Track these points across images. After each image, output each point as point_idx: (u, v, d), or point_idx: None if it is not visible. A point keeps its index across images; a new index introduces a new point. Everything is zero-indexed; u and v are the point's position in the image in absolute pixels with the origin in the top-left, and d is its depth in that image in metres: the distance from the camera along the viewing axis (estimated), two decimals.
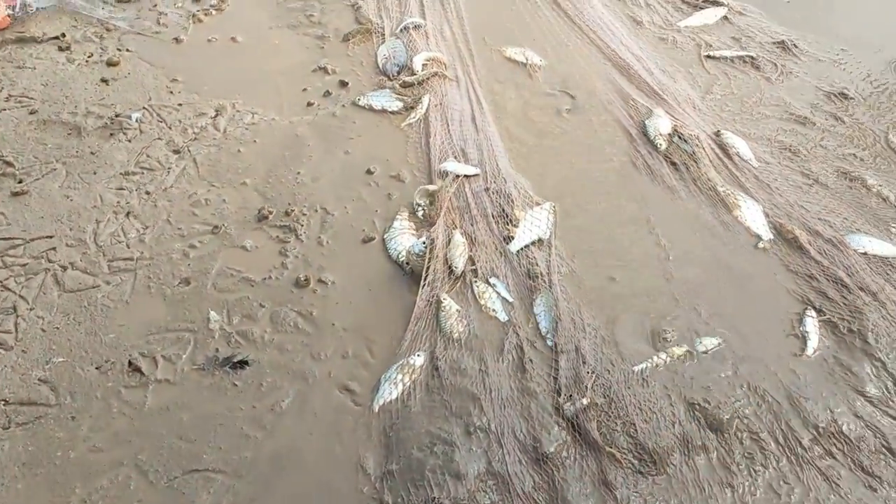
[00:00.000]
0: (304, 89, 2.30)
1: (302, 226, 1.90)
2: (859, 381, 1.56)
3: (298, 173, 2.03)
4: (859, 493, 1.41)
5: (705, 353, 1.61)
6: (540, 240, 1.83)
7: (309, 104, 2.24)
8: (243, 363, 1.64)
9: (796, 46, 2.39)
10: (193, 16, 2.58)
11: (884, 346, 1.62)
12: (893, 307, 1.67)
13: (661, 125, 2.07)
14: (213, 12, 2.62)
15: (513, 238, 1.83)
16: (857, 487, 1.42)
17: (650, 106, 2.18)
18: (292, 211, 1.93)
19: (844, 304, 1.69)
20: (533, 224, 1.85)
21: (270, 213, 1.93)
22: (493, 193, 1.95)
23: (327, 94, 2.27)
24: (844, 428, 1.49)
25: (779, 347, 1.62)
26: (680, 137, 2.06)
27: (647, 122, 2.11)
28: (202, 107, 2.24)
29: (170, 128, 2.17)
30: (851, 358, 1.60)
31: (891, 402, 1.53)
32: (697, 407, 1.53)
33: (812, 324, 1.66)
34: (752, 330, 1.65)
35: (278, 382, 1.60)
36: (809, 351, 1.62)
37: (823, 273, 1.75)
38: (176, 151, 2.10)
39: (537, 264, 1.78)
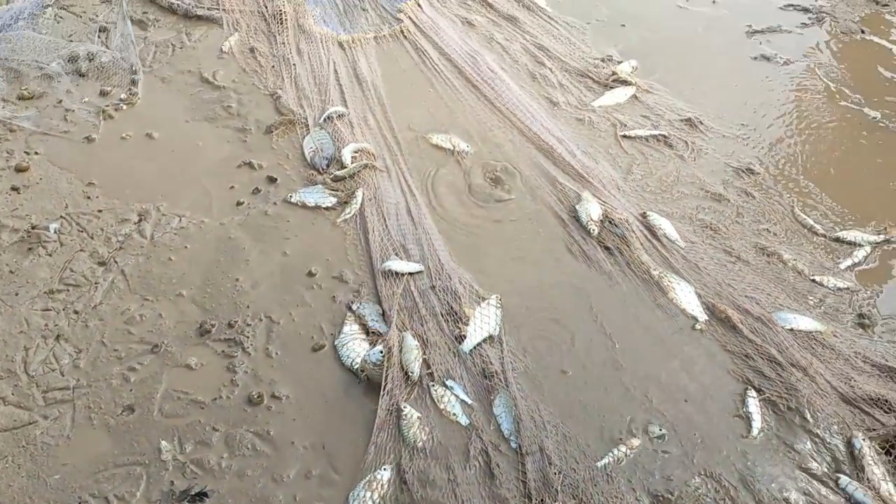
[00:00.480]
0: (232, 187, 2.24)
1: (247, 337, 1.85)
2: (802, 459, 1.66)
3: (237, 280, 1.97)
4: None
5: (661, 441, 1.66)
6: (491, 336, 1.85)
7: (238, 203, 2.19)
8: (202, 495, 1.57)
9: (702, 123, 2.54)
10: (103, 111, 2.47)
11: (820, 421, 1.72)
12: (823, 381, 1.78)
13: (591, 210, 2.15)
14: (124, 107, 2.51)
15: (464, 337, 1.84)
16: None
17: (577, 189, 2.25)
18: (235, 322, 1.87)
19: (780, 381, 1.78)
20: (482, 321, 1.87)
21: (213, 326, 1.86)
22: (440, 291, 1.96)
23: (256, 191, 2.23)
24: None
25: (727, 430, 1.70)
26: (611, 222, 2.14)
27: (577, 206, 2.18)
28: (124, 212, 2.15)
29: (92, 238, 2.07)
30: (793, 435, 1.70)
31: (831, 475, 1.63)
32: (661, 498, 1.57)
33: (754, 404, 1.74)
34: (701, 415, 1.72)
35: None
36: (755, 432, 1.70)
37: (757, 351, 1.85)
38: (101, 263, 2.00)
39: (491, 362, 1.80)
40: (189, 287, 1.96)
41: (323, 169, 2.29)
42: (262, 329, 1.87)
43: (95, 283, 1.95)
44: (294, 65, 2.73)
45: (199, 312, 1.90)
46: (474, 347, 1.84)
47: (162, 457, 1.60)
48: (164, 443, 1.63)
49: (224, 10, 3.01)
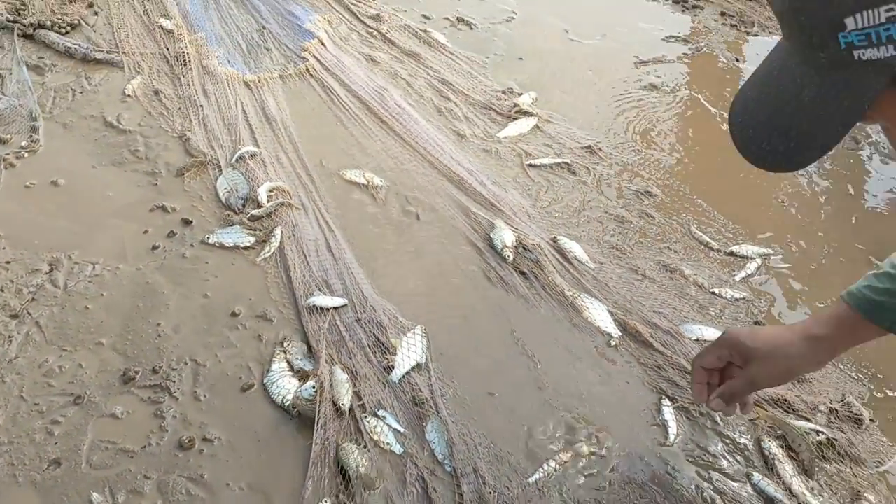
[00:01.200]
0: (146, 231, 2.22)
1: (174, 382, 1.83)
2: (716, 460, 1.78)
3: (158, 325, 1.95)
4: None
5: (587, 454, 1.75)
6: (418, 364, 1.91)
7: (154, 247, 2.17)
8: None
9: (601, 150, 2.69)
10: (3, 160, 2.39)
11: (729, 423, 1.85)
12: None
13: (505, 237, 2.24)
14: (26, 154, 2.45)
15: (393, 367, 1.89)
16: None
17: (490, 218, 2.35)
18: (160, 367, 1.85)
19: (690, 389, 1.91)
20: (410, 350, 1.92)
21: (136, 373, 1.83)
22: (365, 323, 2.00)
23: (172, 234, 2.21)
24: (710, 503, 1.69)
25: (647, 439, 1.80)
26: (524, 248, 2.24)
27: (491, 234, 2.27)
28: (34, 262, 2.09)
29: (2, 290, 2.00)
30: (706, 439, 1.82)
31: (743, 474, 1.75)
32: None
33: (668, 412, 1.86)
34: (622, 426, 1.82)
35: None
36: (671, 438, 1.81)
37: (668, 362, 1.97)
38: (14, 316, 1.94)
39: (420, 390, 1.85)
40: (108, 335, 1.92)
41: (239, 209, 2.30)
42: (189, 372, 1.86)
43: (9, 337, 1.89)
44: (201, 106, 2.73)
45: (121, 360, 1.87)
46: (403, 376, 1.88)
47: None
48: (95, 495, 1.59)
49: (124, 52, 2.98)
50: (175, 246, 2.18)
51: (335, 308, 2.02)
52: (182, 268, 2.12)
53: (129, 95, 2.77)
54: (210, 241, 2.18)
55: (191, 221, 2.26)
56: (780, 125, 0.95)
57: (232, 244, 2.18)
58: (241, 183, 2.37)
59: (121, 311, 1.99)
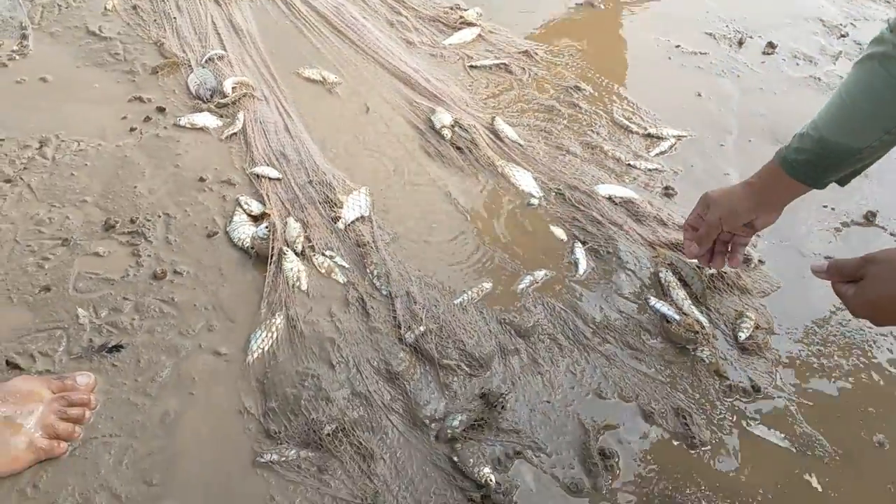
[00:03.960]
0: (124, 117, 2.49)
1: (148, 230, 2.11)
2: (618, 287, 2.07)
3: (135, 187, 2.23)
4: (630, 363, 1.89)
5: (520, 288, 2.05)
6: (362, 216, 2.19)
7: (132, 129, 2.44)
8: (118, 347, 1.83)
9: (537, 53, 2.96)
10: None
11: (630, 259, 2.14)
12: (634, 234, 2.21)
13: (444, 118, 2.52)
14: (17, 57, 2.72)
15: (339, 218, 2.17)
16: (627, 359, 1.90)
17: (432, 106, 2.62)
18: (136, 219, 2.13)
19: (601, 235, 2.20)
20: (355, 204, 2.20)
21: (116, 223, 2.11)
22: (316, 185, 2.28)
23: (147, 119, 2.48)
24: (612, 321, 1.98)
25: (560, 272, 2.09)
26: (461, 127, 2.52)
27: (432, 118, 2.55)
28: (25, 140, 2.36)
29: None
30: (611, 272, 2.11)
31: (640, 297, 2.04)
32: (506, 322, 1.95)
33: (580, 251, 2.15)
34: (539, 263, 2.11)
35: (154, 358, 1.80)
36: (581, 271, 2.10)
37: (583, 215, 2.26)
38: (7, 181, 2.22)
39: (363, 235, 2.14)
40: (91, 195, 2.20)
41: (207, 98, 2.57)
42: (161, 223, 2.13)
43: (4, 196, 2.17)
44: (175, 18, 3.00)
45: (103, 213, 2.15)
46: (349, 224, 2.17)
47: (79, 321, 1.85)
48: (80, 310, 1.87)
49: None
50: (150, 128, 2.46)
51: (271, 179, 2.29)
52: (156, 145, 2.40)
53: (109, 10, 3.03)
54: (181, 123, 2.46)
55: (164, 109, 2.53)
56: None
57: (201, 125, 2.45)
58: (210, 78, 2.64)
59: (102, 177, 2.27)
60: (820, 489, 1.66)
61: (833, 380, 1.89)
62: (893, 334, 2.00)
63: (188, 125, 2.46)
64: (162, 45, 2.84)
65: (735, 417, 1.79)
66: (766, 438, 1.76)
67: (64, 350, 1.79)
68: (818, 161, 1.66)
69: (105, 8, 3.04)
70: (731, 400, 1.82)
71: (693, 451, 1.71)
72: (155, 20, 3.02)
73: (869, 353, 1.95)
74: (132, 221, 2.12)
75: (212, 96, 2.59)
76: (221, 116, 2.51)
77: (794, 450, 1.73)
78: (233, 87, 2.60)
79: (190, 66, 2.75)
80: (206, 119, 2.47)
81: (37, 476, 1.55)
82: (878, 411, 1.84)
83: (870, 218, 2.36)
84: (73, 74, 2.70)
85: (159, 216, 2.15)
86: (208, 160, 2.36)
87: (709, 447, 1.72)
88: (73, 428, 1.62)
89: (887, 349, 1.96)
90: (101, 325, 1.85)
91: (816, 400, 1.84)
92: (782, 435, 1.76)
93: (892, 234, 2.33)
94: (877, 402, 1.85)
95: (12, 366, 1.74)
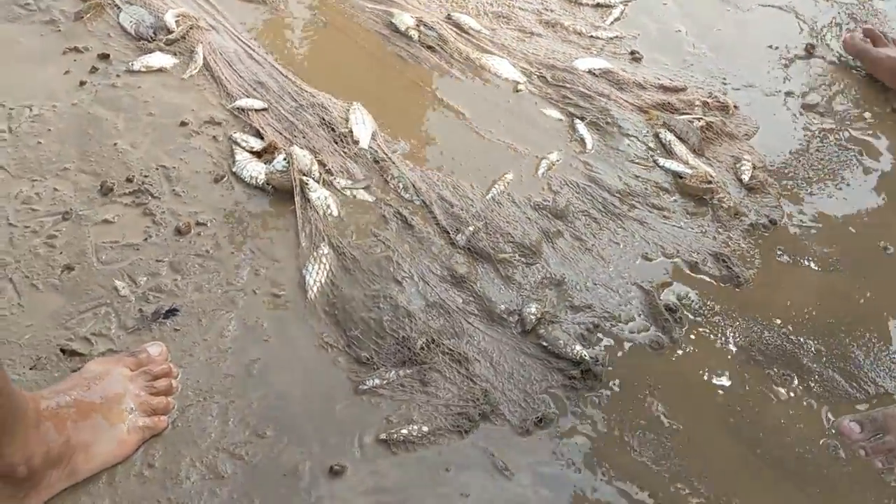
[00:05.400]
0: (67, 72, 2.25)
1: (151, 186, 1.97)
2: (626, 154, 2.16)
3: (115, 144, 2.06)
4: (659, 224, 2.01)
5: (540, 173, 2.09)
6: (375, 132, 2.14)
7: (81, 83, 2.22)
8: (173, 311, 1.74)
9: None
10: None
11: (629, 126, 2.23)
12: (624, 102, 2.29)
13: (406, 19, 2.47)
14: None
15: (357, 141, 2.11)
16: (657, 219, 2.01)
17: (386, 9, 2.55)
18: (133, 177, 1.98)
19: (594, 108, 2.26)
20: (359, 121, 2.14)
21: (113, 185, 1.96)
22: (308, 108, 2.19)
23: (94, 70, 2.26)
24: (633, 187, 2.08)
25: (570, 150, 2.15)
26: (425, 26, 2.47)
27: (393, 20, 2.49)
28: None
29: None
30: (616, 141, 2.19)
31: (650, 160, 2.14)
32: (540, 207, 2.00)
33: (582, 127, 2.21)
34: (547, 145, 2.16)
35: (214, 314, 1.73)
36: (589, 146, 2.17)
37: (571, 92, 2.31)
38: None
39: (377, 151, 2.10)
40: (70, 161, 2.02)
41: (151, 37, 2.36)
42: (161, 176, 2.00)
43: None
44: None
45: (92, 178, 1.98)
46: (370, 143, 2.12)
47: (120, 294, 1.74)
48: (117, 282, 1.75)
49: None
50: (101, 79, 2.25)
51: (258, 111, 2.19)
52: (117, 96, 2.20)
53: None
54: (135, 68, 2.26)
55: (108, 56, 2.31)
56: None
57: (158, 66, 2.27)
58: (144, 14, 2.43)
59: (73, 139, 2.07)
60: (856, 298, 1.87)
61: (830, 197, 2.10)
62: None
63: (143, 69, 2.26)
64: None
65: (763, 251, 1.96)
66: (793, 263, 1.94)
67: (118, 326, 1.68)
68: None
69: None
70: (754, 238, 1.98)
71: (738, 289, 1.87)
72: None
73: (844, 174, 2.19)
74: (129, 181, 1.98)
75: (155, 34, 2.38)
76: (175, 54, 2.32)
77: (819, 269, 1.92)
78: (176, 21, 2.40)
79: (116, 4, 2.49)
80: (161, 59, 2.28)
81: (148, 456, 1.48)
82: (872, 221, 2.07)
83: (810, 50, 2.55)
84: None
85: (155, 169, 2.01)
86: (181, 102, 2.20)
87: (752, 282, 1.88)
88: (167, 400, 1.56)
89: (855, 167, 2.20)
90: (146, 293, 1.75)
91: (823, 221, 2.04)
92: (807, 258, 1.95)
93: (829, 62, 2.54)
94: (872, 214, 2.09)
95: (70, 353, 1.62)
